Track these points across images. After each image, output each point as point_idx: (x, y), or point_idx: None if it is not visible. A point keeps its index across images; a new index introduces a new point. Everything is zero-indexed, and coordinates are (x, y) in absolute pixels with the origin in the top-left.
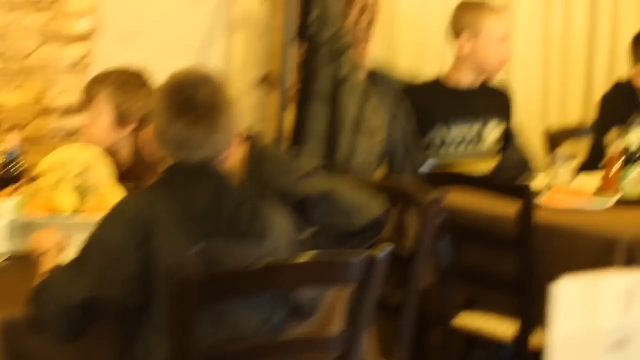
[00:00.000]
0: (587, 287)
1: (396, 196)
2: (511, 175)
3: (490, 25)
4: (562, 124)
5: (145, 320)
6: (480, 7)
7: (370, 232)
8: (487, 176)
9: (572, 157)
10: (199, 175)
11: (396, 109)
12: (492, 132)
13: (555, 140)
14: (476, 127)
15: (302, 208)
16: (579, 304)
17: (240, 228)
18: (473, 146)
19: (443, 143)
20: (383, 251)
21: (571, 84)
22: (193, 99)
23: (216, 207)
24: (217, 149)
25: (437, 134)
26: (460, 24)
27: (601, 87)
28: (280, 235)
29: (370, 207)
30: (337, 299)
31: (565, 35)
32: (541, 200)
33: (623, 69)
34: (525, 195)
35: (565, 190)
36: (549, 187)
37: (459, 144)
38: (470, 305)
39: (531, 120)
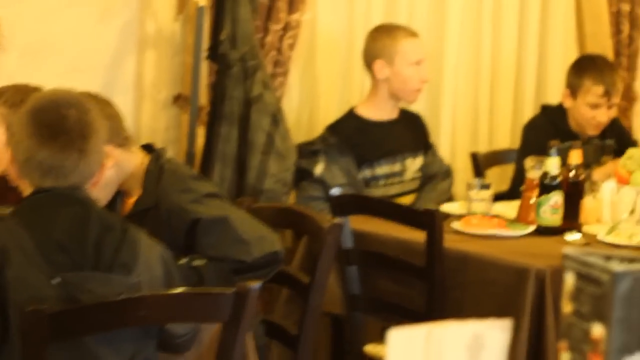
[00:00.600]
0: (428, 336)
1: (296, 221)
2: (434, 183)
3: (405, 50)
4: (490, 149)
5: (2, 356)
6: (394, 32)
7: (264, 269)
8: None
9: (487, 185)
10: (64, 202)
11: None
12: (414, 162)
13: (482, 164)
14: (399, 162)
15: (193, 231)
16: (417, 355)
17: (106, 257)
18: (398, 178)
19: (369, 182)
20: (253, 285)
21: (500, 109)
22: (61, 123)
23: (81, 235)
24: (86, 174)
25: (362, 174)
26: (374, 50)
27: (529, 113)
28: (151, 266)
29: (266, 240)
30: (216, 332)
31: (494, 60)
32: (457, 225)
33: (551, 94)
34: (433, 222)
35: (482, 216)
36: (466, 214)
37: (384, 179)
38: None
39: (460, 144)
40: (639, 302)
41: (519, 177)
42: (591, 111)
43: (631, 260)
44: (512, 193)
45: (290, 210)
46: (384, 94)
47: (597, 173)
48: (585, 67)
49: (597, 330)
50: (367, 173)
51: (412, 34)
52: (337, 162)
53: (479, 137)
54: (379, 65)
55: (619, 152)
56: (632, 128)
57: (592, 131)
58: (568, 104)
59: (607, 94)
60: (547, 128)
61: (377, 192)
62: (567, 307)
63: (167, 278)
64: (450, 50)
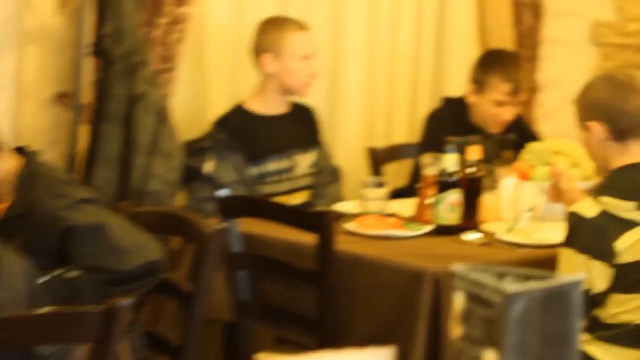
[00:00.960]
0: None
1: (180, 226)
2: (326, 182)
3: (294, 43)
4: (387, 144)
5: None
6: (282, 25)
7: (144, 279)
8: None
9: (382, 183)
10: None
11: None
12: (305, 157)
13: (379, 160)
14: (288, 158)
15: (68, 239)
16: None
17: None
18: (287, 175)
19: (259, 179)
20: (124, 301)
21: (397, 102)
22: None
23: None
24: None
25: (252, 171)
26: (262, 44)
27: (426, 106)
28: (13, 282)
29: (145, 248)
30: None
31: (391, 52)
32: (350, 226)
33: (449, 87)
34: (324, 224)
35: (377, 216)
36: (360, 213)
37: (274, 175)
38: (284, 341)
39: (358, 139)
40: (535, 326)
41: (418, 172)
42: (496, 108)
43: (526, 278)
44: (410, 189)
45: (173, 214)
46: (273, 88)
47: (499, 168)
48: (492, 63)
49: (489, 356)
50: (256, 170)
51: (302, 27)
52: (227, 158)
53: (376, 132)
54: (267, 59)
55: (520, 147)
56: (533, 119)
57: (496, 128)
58: (472, 99)
59: (514, 91)
60: (449, 121)
61: (268, 189)
62: (456, 331)
63: (31, 296)
64: (346, 43)
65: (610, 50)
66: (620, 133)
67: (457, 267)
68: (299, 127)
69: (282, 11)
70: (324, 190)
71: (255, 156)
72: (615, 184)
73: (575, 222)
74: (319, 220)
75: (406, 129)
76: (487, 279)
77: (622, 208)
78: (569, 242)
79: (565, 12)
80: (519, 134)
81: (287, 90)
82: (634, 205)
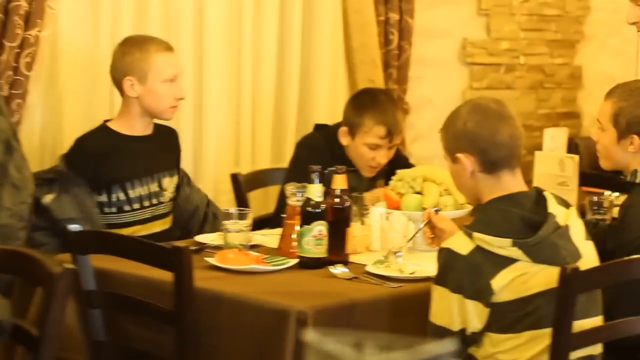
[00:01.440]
0: None
1: (25, 265)
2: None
3: (158, 66)
4: (252, 170)
5: None
6: (145, 45)
7: None
8: (138, 238)
9: (245, 213)
10: None
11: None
12: (172, 181)
13: (244, 186)
14: (155, 182)
15: None
16: None
17: None
18: (156, 199)
19: (122, 205)
20: None
21: (262, 127)
22: None
23: None
24: None
25: (114, 196)
26: (123, 66)
27: (292, 131)
28: None
29: None
30: None
31: (255, 75)
32: (212, 260)
33: (316, 110)
34: (180, 261)
35: (239, 249)
36: (222, 246)
37: (142, 200)
38: None
39: (223, 165)
40: None
41: (284, 200)
42: (371, 152)
43: (387, 348)
44: (277, 218)
45: (18, 253)
46: (136, 111)
47: (368, 197)
48: (366, 104)
49: None
50: (119, 195)
51: (167, 47)
52: (70, 191)
53: (242, 158)
54: (129, 83)
55: (392, 173)
56: (404, 142)
57: (369, 173)
58: (345, 141)
59: (389, 135)
60: (323, 148)
61: (128, 217)
62: None
63: None
64: (209, 66)
65: (480, 70)
66: (491, 164)
67: (309, 334)
68: (164, 149)
69: (140, 30)
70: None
71: (119, 179)
72: (489, 219)
73: (448, 259)
74: (174, 257)
75: (272, 154)
76: (341, 349)
77: (497, 244)
78: (442, 280)
79: (434, 31)
80: (390, 161)
81: (151, 114)
82: (509, 241)
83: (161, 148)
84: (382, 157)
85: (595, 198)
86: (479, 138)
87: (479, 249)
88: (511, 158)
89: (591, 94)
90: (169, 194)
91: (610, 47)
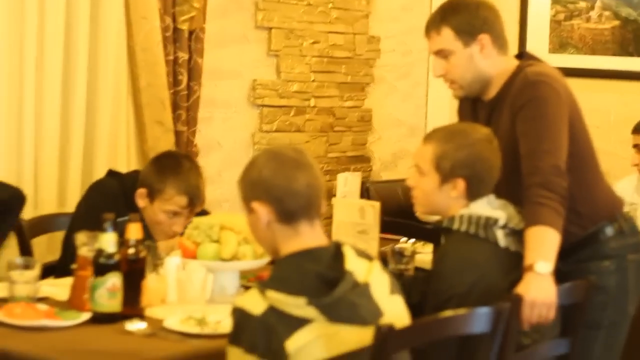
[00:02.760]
0: None
1: None
2: None
3: None
4: (35, 215)
5: None
6: None
7: None
8: None
9: (32, 264)
10: None
11: None
12: None
13: (27, 233)
14: None
15: None
16: None
17: None
18: None
19: None
20: None
21: (44, 170)
22: None
23: None
24: None
25: None
26: None
27: (75, 175)
28: None
29: None
30: None
31: (37, 118)
32: None
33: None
34: None
35: (26, 303)
36: (7, 299)
37: None
38: None
39: None
40: None
41: (71, 246)
42: (168, 219)
43: None
44: (62, 266)
45: None
46: None
47: (162, 246)
48: (168, 170)
49: None
50: None
51: None
52: None
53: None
54: None
55: None
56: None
57: (162, 239)
58: (143, 204)
59: (191, 204)
60: (117, 195)
61: None
62: None
63: None
64: None
65: (270, 112)
66: (288, 214)
67: None
68: None
69: None
70: None
71: None
72: (284, 275)
73: (240, 319)
74: None
75: (57, 197)
76: None
77: (292, 304)
78: (236, 341)
79: (224, 72)
80: None
81: None
82: (304, 300)
83: None
84: (180, 226)
85: (396, 248)
86: (274, 186)
87: (272, 309)
88: (309, 208)
89: (381, 138)
90: None
91: (400, 90)
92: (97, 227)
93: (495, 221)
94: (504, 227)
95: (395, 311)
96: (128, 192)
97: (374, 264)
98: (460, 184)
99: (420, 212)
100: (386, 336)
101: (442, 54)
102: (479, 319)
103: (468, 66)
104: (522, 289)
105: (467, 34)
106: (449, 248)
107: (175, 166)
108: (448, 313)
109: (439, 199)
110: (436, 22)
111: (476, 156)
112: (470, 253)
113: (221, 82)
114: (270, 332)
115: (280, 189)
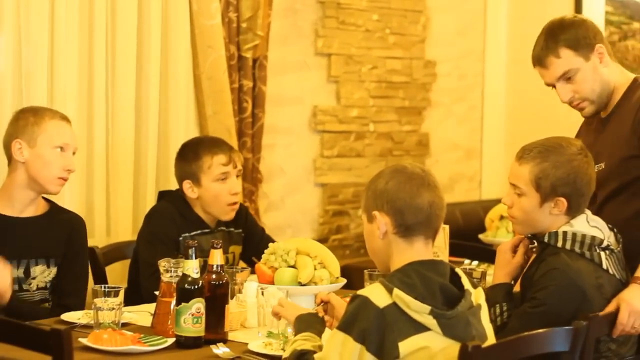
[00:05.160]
0: None
1: None
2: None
3: (50, 131)
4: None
5: None
6: (41, 113)
7: None
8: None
9: (116, 291)
10: None
11: None
12: (43, 272)
13: (101, 261)
14: (22, 268)
15: None
16: None
17: None
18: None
19: None
20: None
21: (120, 198)
22: None
23: None
24: None
25: None
26: (15, 130)
27: (151, 201)
28: None
29: None
30: None
31: (111, 142)
32: (86, 340)
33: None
34: (60, 345)
35: (113, 330)
36: (92, 324)
37: None
38: None
39: None
40: None
41: (138, 269)
42: (223, 185)
43: None
44: (133, 292)
45: None
46: (21, 181)
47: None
48: (190, 151)
49: None
50: None
51: (62, 117)
52: None
53: (96, 231)
54: (17, 146)
55: (248, 242)
56: (258, 211)
57: (228, 213)
58: (194, 193)
59: (231, 159)
60: (174, 214)
61: None
62: None
63: None
64: None
65: (330, 137)
66: (407, 228)
67: None
68: (47, 236)
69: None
70: None
71: None
72: (410, 281)
73: (360, 307)
74: (54, 341)
75: (130, 225)
76: None
77: (416, 309)
78: (347, 328)
79: (286, 99)
80: (244, 229)
81: (37, 184)
82: (428, 308)
83: (41, 233)
84: (237, 185)
85: (467, 269)
86: (398, 199)
87: (395, 307)
88: (428, 226)
89: (438, 161)
90: (37, 282)
91: (456, 113)
92: (166, 250)
93: (600, 242)
94: (606, 248)
95: (491, 337)
96: (182, 208)
97: (479, 290)
98: (562, 202)
99: (518, 231)
100: (472, 354)
101: (566, 75)
102: (559, 337)
103: (594, 78)
104: (628, 295)
105: (585, 48)
106: (557, 264)
107: (195, 144)
108: (529, 333)
109: (541, 218)
110: (550, 47)
111: (575, 172)
112: (578, 277)
113: (283, 109)
114: (386, 328)
115: (402, 202)
